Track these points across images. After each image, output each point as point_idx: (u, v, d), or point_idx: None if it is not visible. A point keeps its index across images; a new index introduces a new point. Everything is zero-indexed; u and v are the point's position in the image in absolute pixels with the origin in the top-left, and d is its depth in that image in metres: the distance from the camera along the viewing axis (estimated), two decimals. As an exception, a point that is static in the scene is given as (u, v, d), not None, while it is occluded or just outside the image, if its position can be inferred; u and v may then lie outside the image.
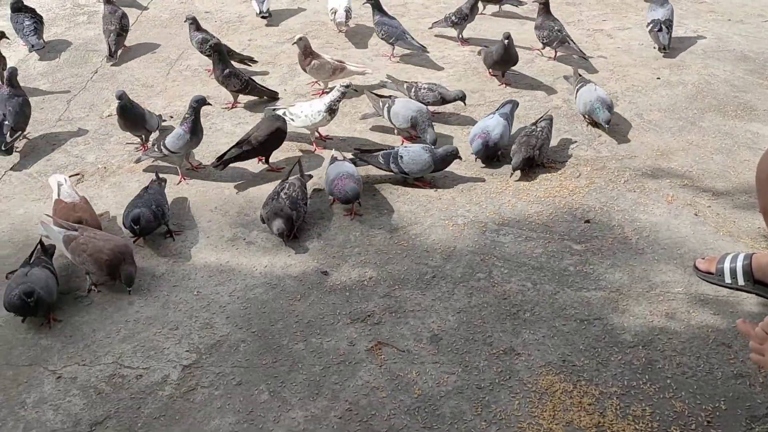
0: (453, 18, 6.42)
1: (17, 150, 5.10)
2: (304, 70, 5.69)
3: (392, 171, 4.64)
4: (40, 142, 5.27)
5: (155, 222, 4.17)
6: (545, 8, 6.10)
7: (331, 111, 4.97)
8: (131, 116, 4.99)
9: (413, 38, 6.16)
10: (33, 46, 6.38)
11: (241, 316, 3.73)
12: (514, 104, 5.19)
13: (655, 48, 6.35)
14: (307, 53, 5.58)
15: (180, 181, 4.75)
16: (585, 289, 3.83)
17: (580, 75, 5.55)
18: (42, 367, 3.46)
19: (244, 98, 5.71)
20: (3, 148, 4.95)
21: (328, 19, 6.91)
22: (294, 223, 4.19)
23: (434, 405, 3.22)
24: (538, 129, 4.85)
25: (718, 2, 7.41)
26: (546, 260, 4.04)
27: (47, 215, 4.16)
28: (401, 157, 4.60)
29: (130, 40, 6.69)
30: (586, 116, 5.21)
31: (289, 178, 4.47)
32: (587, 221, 4.31)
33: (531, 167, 4.74)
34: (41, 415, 3.23)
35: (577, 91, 5.30)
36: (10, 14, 6.56)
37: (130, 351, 3.54)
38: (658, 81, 5.88)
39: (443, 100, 5.32)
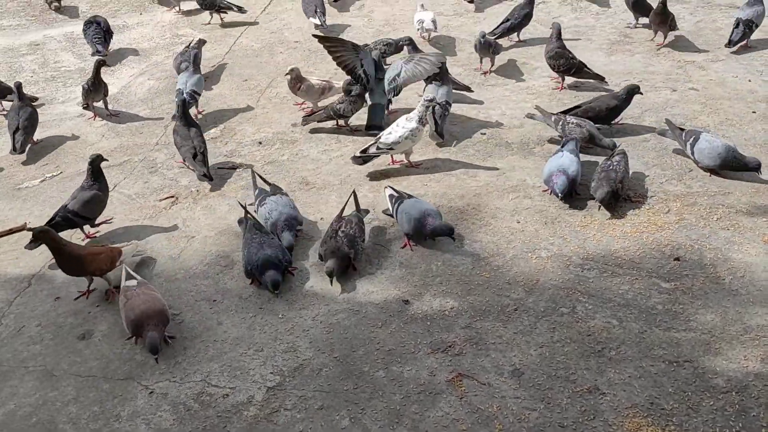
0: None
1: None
2: (296, 94, 6.06)
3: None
4: (138, 165, 5.56)
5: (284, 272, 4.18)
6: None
7: (423, 123, 5.15)
8: None
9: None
10: (98, 51, 7.09)
11: (323, 341, 3.80)
12: (577, 141, 5.05)
13: (749, 81, 6.15)
14: (298, 80, 5.96)
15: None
16: (674, 329, 3.72)
17: (680, 128, 5.19)
18: (136, 381, 3.62)
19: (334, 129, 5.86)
20: None
21: (411, 31, 7.05)
22: (351, 262, 4.22)
23: (515, 441, 3.19)
24: (615, 162, 4.76)
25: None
26: (632, 297, 3.94)
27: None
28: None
29: (225, 68, 7.00)
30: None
31: (345, 215, 4.46)
32: (677, 259, 4.19)
33: (616, 201, 4.65)
34: (134, 428, 3.38)
35: (690, 144, 4.98)
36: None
37: (218, 370, 3.66)
38: (753, 115, 5.68)
39: (591, 138, 5.17)
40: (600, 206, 4.62)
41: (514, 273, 4.19)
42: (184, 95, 5.87)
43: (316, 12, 7.53)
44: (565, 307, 3.91)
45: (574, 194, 4.76)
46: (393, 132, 5.14)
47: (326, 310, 4.00)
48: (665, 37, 6.81)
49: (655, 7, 6.75)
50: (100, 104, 6.26)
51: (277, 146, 5.68)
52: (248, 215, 4.52)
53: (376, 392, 3.47)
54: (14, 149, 5.68)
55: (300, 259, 4.42)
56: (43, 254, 4.36)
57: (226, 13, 7.89)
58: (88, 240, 4.65)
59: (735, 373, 3.43)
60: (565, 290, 4.03)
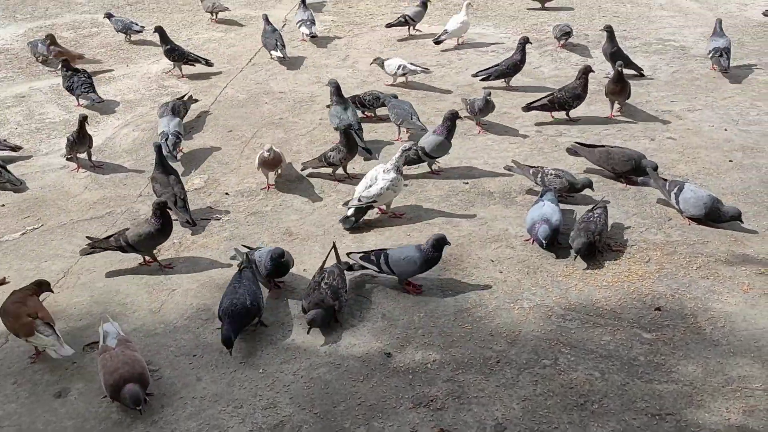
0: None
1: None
2: (278, 168, 5.78)
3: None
4: (120, 217, 5.55)
5: (249, 318, 4.11)
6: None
7: (400, 171, 5.23)
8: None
9: (419, 119, 6.30)
10: (93, 100, 7.22)
11: (304, 396, 3.75)
12: (555, 191, 5.10)
13: (725, 130, 6.28)
14: (275, 155, 5.67)
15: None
16: (656, 381, 3.71)
17: (663, 179, 5.25)
18: (112, 441, 3.55)
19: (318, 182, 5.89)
20: None
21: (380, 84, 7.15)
22: (336, 313, 4.21)
23: (498, 499, 3.14)
24: (595, 215, 4.80)
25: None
26: (614, 348, 3.94)
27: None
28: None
29: (210, 119, 7.06)
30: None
31: (326, 267, 4.47)
32: (658, 309, 4.20)
33: (592, 253, 4.67)
34: (109, 490, 3.30)
35: (674, 194, 5.03)
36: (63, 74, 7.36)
37: (195, 429, 3.59)
38: (730, 164, 5.77)
39: (571, 187, 5.25)
40: (576, 256, 4.64)
41: (497, 324, 4.18)
42: (168, 136, 6.03)
43: (276, 46, 8.18)
44: (547, 359, 3.90)
45: (555, 243, 4.79)
46: (374, 184, 5.17)
47: (308, 364, 3.97)
48: (621, 108, 6.62)
49: (611, 76, 6.54)
50: (83, 155, 6.27)
51: (261, 197, 5.70)
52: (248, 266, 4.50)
53: (357, 449, 3.42)
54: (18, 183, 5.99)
55: (281, 312, 4.40)
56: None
57: (193, 65, 8.01)
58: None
59: (717, 425, 3.42)
60: (547, 341, 4.02)
